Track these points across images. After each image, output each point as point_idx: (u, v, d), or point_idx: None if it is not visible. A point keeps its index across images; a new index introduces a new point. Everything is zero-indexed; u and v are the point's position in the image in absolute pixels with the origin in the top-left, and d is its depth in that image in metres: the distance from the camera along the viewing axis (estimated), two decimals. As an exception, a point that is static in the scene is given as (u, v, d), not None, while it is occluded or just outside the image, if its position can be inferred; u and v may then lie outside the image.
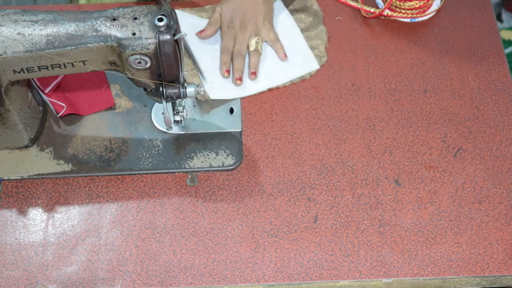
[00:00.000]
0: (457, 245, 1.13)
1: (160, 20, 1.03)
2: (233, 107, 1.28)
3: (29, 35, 1.05)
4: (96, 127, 1.26)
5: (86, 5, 1.51)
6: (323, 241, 1.14)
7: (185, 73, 1.26)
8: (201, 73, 1.31)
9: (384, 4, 1.39)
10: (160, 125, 1.26)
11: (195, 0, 1.43)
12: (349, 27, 1.38)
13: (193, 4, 1.42)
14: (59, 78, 1.26)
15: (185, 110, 1.20)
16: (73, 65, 1.07)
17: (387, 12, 1.38)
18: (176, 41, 1.06)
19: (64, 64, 1.07)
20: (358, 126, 1.26)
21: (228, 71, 1.30)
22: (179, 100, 1.17)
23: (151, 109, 1.28)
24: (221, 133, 1.25)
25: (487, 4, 1.41)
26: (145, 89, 1.15)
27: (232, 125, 1.26)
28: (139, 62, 1.06)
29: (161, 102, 1.15)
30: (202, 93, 1.16)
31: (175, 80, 1.12)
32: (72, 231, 1.16)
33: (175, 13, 1.06)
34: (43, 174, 1.21)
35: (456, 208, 1.17)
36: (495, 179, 1.20)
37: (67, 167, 1.22)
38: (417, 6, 1.37)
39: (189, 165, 1.21)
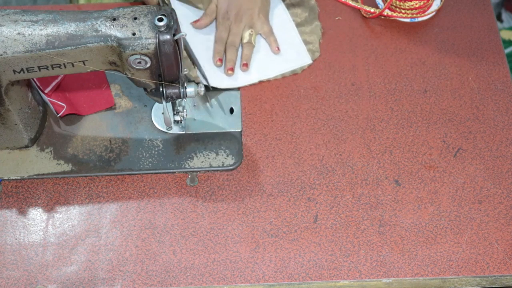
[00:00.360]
0: (457, 245, 1.13)
1: (160, 20, 1.03)
2: (233, 107, 1.28)
3: (29, 35, 1.05)
4: (96, 127, 1.26)
5: (86, 5, 1.51)
6: (323, 241, 1.14)
7: (185, 73, 1.25)
8: (198, 62, 1.31)
9: (384, 4, 1.39)
10: (160, 125, 1.26)
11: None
12: (349, 27, 1.38)
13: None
14: (59, 78, 1.26)
15: (185, 110, 1.20)
16: (73, 65, 1.07)
17: (387, 12, 1.38)
18: (176, 41, 1.06)
19: (64, 64, 1.07)
20: (358, 126, 1.26)
21: (220, 60, 1.31)
22: (179, 100, 1.17)
23: (151, 109, 1.28)
24: (221, 133, 1.25)
25: (487, 4, 1.41)
26: (145, 89, 1.15)
27: (232, 125, 1.26)
28: (139, 62, 1.06)
29: (161, 102, 1.15)
30: (202, 93, 1.16)
31: (175, 80, 1.12)
32: (72, 231, 1.16)
33: (175, 13, 1.06)
34: (43, 174, 1.21)
35: (456, 208, 1.17)
36: (495, 179, 1.20)
37: (67, 167, 1.22)
38: (417, 6, 1.37)
39: (189, 165, 1.21)
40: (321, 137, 1.25)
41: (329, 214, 1.17)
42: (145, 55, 1.05)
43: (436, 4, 1.40)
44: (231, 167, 1.21)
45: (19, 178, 1.21)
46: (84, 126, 1.26)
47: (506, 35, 2.13)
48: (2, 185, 1.21)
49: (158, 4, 1.06)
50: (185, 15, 1.38)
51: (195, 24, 1.36)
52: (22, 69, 1.07)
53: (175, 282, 1.11)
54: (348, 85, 1.31)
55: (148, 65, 1.07)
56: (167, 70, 1.08)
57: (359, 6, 1.40)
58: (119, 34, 1.04)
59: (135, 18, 1.05)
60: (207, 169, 1.21)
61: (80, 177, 1.21)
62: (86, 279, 1.12)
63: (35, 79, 1.25)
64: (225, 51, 1.32)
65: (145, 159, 1.22)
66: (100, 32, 1.05)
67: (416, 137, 1.24)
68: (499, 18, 2.24)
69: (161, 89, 1.12)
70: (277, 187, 1.20)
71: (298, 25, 1.37)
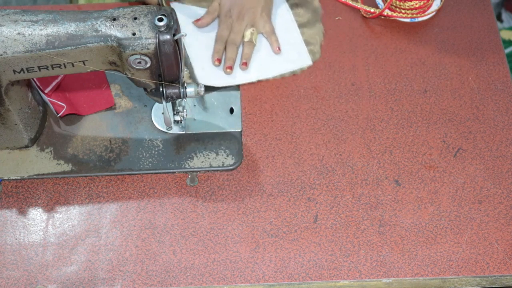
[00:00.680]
0: (457, 245, 1.13)
1: (160, 20, 1.03)
2: (233, 107, 1.28)
3: (29, 35, 1.05)
4: (96, 127, 1.26)
5: (86, 5, 1.51)
6: (323, 241, 1.14)
7: (185, 73, 1.26)
8: (191, 60, 1.31)
9: (384, 4, 1.39)
10: (160, 125, 1.26)
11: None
12: (349, 27, 1.38)
13: None
14: (59, 78, 1.26)
15: (185, 110, 1.20)
16: (73, 65, 1.07)
17: (387, 12, 1.38)
18: (176, 41, 1.06)
19: (64, 64, 1.07)
20: (358, 126, 1.26)
21: (219, 60, 1.30)
22: (179, 100, 1.17)
23: (151, 109, 1.28)
24: (221, 133, 1.25)
25: (487, 4, 1.41)
26: (145, 89, 1.15)
27: (232, 125, 1.26)
28: (139, 62, 1.06)
29: (161, 102, 1.15)
30: (202, 92, 1.16)
31: (175, 80, 1.12)
32: (72, 231, 1.16)
33: (175, 13, 1.06)
34: (43, 174, 1.21)
35: (456, 208, 1.17)
36: (495, 179, 1.20)
37: (67, 167, 1.22)
38: (417, 6, 1.37)
39: (189, 165, 1.21)
40: (321, 137, 1.25)
41: (329, 214, 1.17)
42: (145, 55, 1.05)
43: (436, 4, 1.40)
44: (231, 167, 1.21)
45: (19, 178, 1.21)
46: (84, 126, 1.26)
47: (506, 35, 2.13)
48: (2, 185, 1.21)
49: (158, 4, 1.06)
50: (188, 14, 1.38)
51: (197, 23, 1.36)
52: (22, 69, 1.07)
53: (175, 282, 1.11)
54: (348, 85, 1.31)
55: (148, 65, 1.07)
56: (167, 70, 1.08)
57: (359, 6, 1.40)
58: (119, 34, 1.04)
59: (135, 18, 1.05)
60: (207, 169, 1.21)
61: (80, 177, 1.21)
62: (86, 279, 1.12)
63: (35, 79, 1.25)
64: (225, 49, 1.32)
65: (145, 159, 1.22)
66: (100, 32, 1.05)
67: (416, 137, 1.24)
68: (499, 18, 2.24)
69: (161, 89, 1.12)
70: (277, 187, 1.20)
71: (300, 25, 1.37)
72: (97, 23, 1.05)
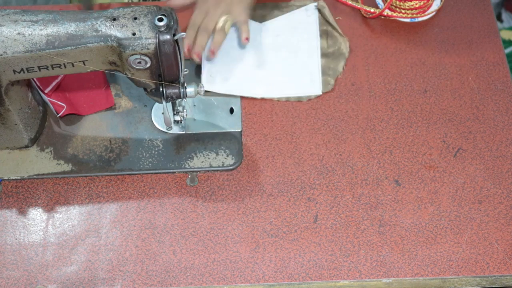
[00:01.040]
0: (457, 245, 1.13)
1: (160, 20, 1.03)
2: (233, 107, 1.28)
3: (29, 35, 1.05)
4: (96, 127, 1.26)
5: (78, 4, 1.51)
6: (323, 241, 1.14)
7: (185, 73, 1.25)
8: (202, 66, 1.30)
9: (384, 4, 1.39)
10: (160, 125, 1.26)
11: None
12: (349, 27, 1.38)
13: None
14: (59, 78, 1.26)
15: (185, 110, 1.20)
16: (73, 65, 1.07)
17: (387, 12, 1.38)
18: (176, 41, 1.06)
19: (64, 64, 1.07)
20: (358, 126, 1.26)
21: (190, 49, 1.24)
22: (179, 100, 1.17)
23: (151, 109, 1.28)
24: (221, 133, 1.25)
25: (487, 4, 1.41)
26: (145, 89, 1.15)
27: (232, 125, 1.26)
28: (139, 62, 1.06)
29: (161, 102, 1.15)
30: (202, 93, 1.16)
31: (175, 80, 1.12)
32: (72, 231, 1.16)
33: (175, 13, 1.06)
34: (43, 174, 1.21)
35: (456, 208, 1.17)
36: (495, 179, 1.20)
37: (67, 167, 1.22)
38: (417, 6, 1.37)
39: (189, 165, 1.22)
40: (321, 137, 1.25)
41: (329, 214, 1.17)
42: (145, 55, 1.05)
43: (436, 4, 1.40)
44: (231, 167, 1.21)
45: (19, 178, 1.21)
46: (84, 126, 1.26)
47: (506, 35, 2.13)
48: (2, 185, 1.21)
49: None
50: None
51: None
52: (22, 69, 1.07)
53: (175, 282, 1.11)
54: (348, 85, 1.31)
55: (148, 65, 1.07)
56: (167, 70, 1.08)
57: (359, 6, 1.40)
58: (119, 34, 1.04)
59: (135, 18, 1.05)
60: (207, 169, 1.21)
61: (80, 177, 1.21)
62: (86, 279, 1.12)
63: (35, 79, 1.25)
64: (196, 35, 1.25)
65: (145, 159, 1.22)
66: (100, 32, 1.05)
67: (416, 137, 1.24)
68: (499, 18, 2.24)
69: (161, 89, 1.12)
70: (277, 187, 1.20)
71: (323, 55, 1.33)
72: (97, 23, 1.05)
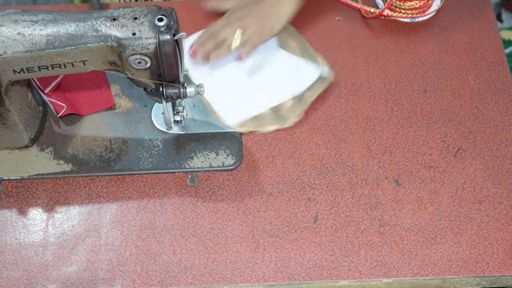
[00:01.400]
0: (457, 245, 1.13)
1: (160, 20, 1.03)
2: (233, 107, 1.28)
3: (29, 35, 1.05)
4: (96, 127, 1.26)
5: (86, 5, 1.51)
6: (323, 241, 1.14)
7: (185, 73, 1.25)
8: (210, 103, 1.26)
9: (384, 4, 1.39)
10: (160, 125, 1.26)
11: (192, 0, 1.43)
12: (349, 27, 1.38)
13: (188, 4, 1.42)
14: (59, 78, 1.26)
15: (185, 110, 1.20)
16: (73, 65, 1.07)
17: (387, 12, 1.38)
18: (176, 41, 1.06)
19: (64, 64, 1.07)
20: (358, 126, 1.26)
21: (195, 53, 1.23)
22: (179, 100, 1.17)
23: (151, 109, 1.28)
24: (221, 133, 1.25)
25: (487, 4, 1.41)
26: (145, 89, 1.15)
27: (232, 125, 1.26)
28: (139, 62, 1.06)
29: (161, 102, 1.15)
30: (202, 93, 1.16)
31: (175, 80, 1.11)
32: (72, 231, 1.16)
33: (175, 13, 1.06)
34: (43, 174, 1.21)
35: (456, 208, 1.17)
36: (495, 179, 1.20)
37: (67, 167, 1.22)
38: (417, 6, 1.37)
39: (189, 165, 1.21)
40: (321, 137, 1.25)
41: (329, 214, 1.17)
42: (145, 55, 1.05)
43: (436, 4, 1.40)
44: (231, 167, 1.21)
45: (19, 178, 1.21)
46: (84, 126, 1.26)
47: (506, 35, 2.13)
48: (2, 185, 1.21)
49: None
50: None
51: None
52: (22, 69, 1.07)
53: (175, 282, 1.11)
54: (348, 85, 1.31)
55: (148, 65, 1.07)
56: (167, 70, 1.08)
57: (359, 6, 1.40)
58: (119, 34, 1.04)
59: (135, 18, 1.05)
60: (207, 169, 1.21)
61: (80, 177, 1.21)
62: (86, 279, 1.12)
63: (35, 79, 1.25)
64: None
65: (145, 159, 1.22)
66: (100, 32, 1.05)
67: (416, 137, 1.24)
68: (499, 18, 2.24)
69: (161, 89, 1.12)
70: (277, 187, 1.20)
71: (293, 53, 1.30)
72: (97, 23, 1.05)
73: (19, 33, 1.04)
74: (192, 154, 1.23)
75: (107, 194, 1.20)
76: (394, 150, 1.23)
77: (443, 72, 1.32)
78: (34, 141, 1.24)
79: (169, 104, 1.16)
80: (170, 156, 1.23)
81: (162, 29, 1.03)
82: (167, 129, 1.25)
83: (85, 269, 1.13)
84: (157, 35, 1.04)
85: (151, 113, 1.28)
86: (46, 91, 1.25)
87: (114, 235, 1.16)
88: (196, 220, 1.17)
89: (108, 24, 1.05)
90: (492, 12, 1.40)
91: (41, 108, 1.25)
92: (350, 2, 1.41)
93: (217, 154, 1.23)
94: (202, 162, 1.22)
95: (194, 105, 1.28)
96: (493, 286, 1.13)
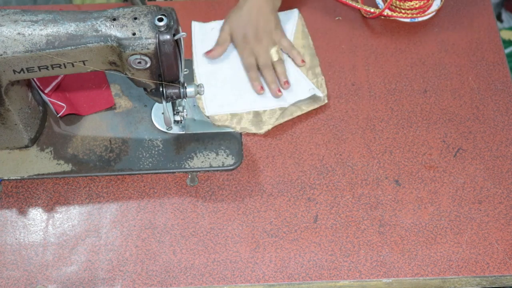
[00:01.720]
0: (457, 245, 1.13)
1: (160, 20, 1.03)
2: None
3: (29, 35, 1.05)
4: (96, 127, 1.26)
5: (86, 5, 1.51)
6: (323, 241, 1.14)
7: (185, 73, 1.25)
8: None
9: (384, 4, 1.39)
10: (160, 125, 1.26)
11: (192, 0, 1.43)
12: (349, 27, 1.38)
13: (188, 4, 1.42)
14: (59, 78, 1.26)
15: (185, 110, 1.20)
16: (73, 65, 1.07)
17: (387, 12, 1.38)
18: (176, 41, 1.06)
19: (64, 64, 1.07)
20: (358, 126, 1.26)
21: (262, 87, 1.28)
22: (179, 100, 1.17)
23: (151, 109, 1.28)
24: (221, 133, 1.25)
25: (487, 4, 1.41)
26: (145, 89, 1.15)
27: (232, 125, 1.26)
28: (139, 62, 1.06)
29: (161, 102, 1.15)
30: (202, 93, 1.16)
31: (175, 80, 1.11)
32: (72, 231, 1.16)
33: (175, 13, 1.06)
34: (43, 174, 1.21)
35: (456, 208, 1.17)
36: (495, 179, 1.20)
37: (67, 167, 1.22)
38: (417, 6, 1.37)
39: (189, 165, 1.21)
40: (321, 137, 1.25)
41: (329, 214, 1.17)
42: (145, 55, 1.05)
43: (436, 4, 1.40)
44: (231, 167, 1.21)
45: (19, 178, 1.21)
46: (84, 126, 1.26)
47: (506, 35, 2.13)
48: (2, 185, 1.21)
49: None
50: (204, 33, 1.36)
51: (209, 54, 1.32)
52: (22, 69, 1.07)
53: (175, 282, 1.11)
54: (348, 85, 1.31)
55: (148, 65, 1.07)
56: (167, 70, 1.08)
57: (359, 6, 1.40)
58: (119, 34, 1.04)
59: (135, 18, 1.05)
60: (207, 169, 1.21)
61: (80, 177, 1.21)
62: (86, 279, 1.12)
63: (35, 79, 1.25)
64: (262, 75, 1.29)
65: (145, 159, 1.22)
66: (100, 32, 1.05)
67: (416, 137, 1.24)
68: (499, 18, 2.24)
69: (161, 89, 1.12)
70: (277, 187, 1.20)
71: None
72: (97, 23, 1.05)
73: (19, 33, 1.05)
74: (192, 154, 1.23)
75: (107, 194, 1.20)
76: (394, 150, 1.23)
77: (443, 72, 1.32)
78: (34, 141, 1.24)
79: (169, 104, 1.16)
80: (170, 156, 1.23)
81: (162, 29, 1.03)
82: (167, 129, 1.25)
83: (85, 269, 1.13)
84: (157, 35, 1.04)
85: (151, 113, 1.28)
86: (46, 91, 1.25)
87: (114, 235, 1.16)
88: (196, 220, 1.17)
89: (108, 24, 1.05)
90: (492, 12, 1.40)
91: (41, 108, 1.25)
92: (350, 2, 1.41)
93: (217, 154, 1.23)
94: (202, 162, 1.22)
95: (194, 105, 1.28)
96: (493, 286, 1.13)
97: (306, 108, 1.27)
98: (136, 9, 1.06)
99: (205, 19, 1.40)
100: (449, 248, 1.13)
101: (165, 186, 1.20)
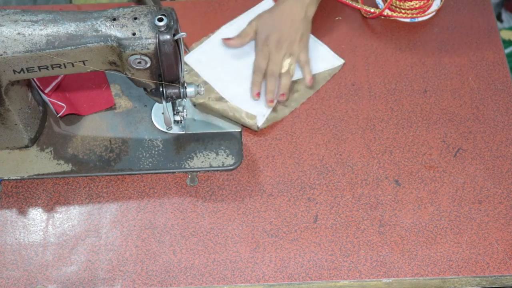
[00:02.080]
0: (457, 245, 1.13)
1: (160, 20, 1.03)
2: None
3: (29, 35, 1.05)
4: (96, 127, 1.26)
5: (86, 5, 1.51)
6: (323, 241, 1.14)
7: (185, 73, 1.25)
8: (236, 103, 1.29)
9: (384, 4, 1.39)
10: (160, 125, 1.26)
11: (192, 0, 1.43)
12: (349, 27, 1.38)
13: (188, 4, 1.42)
14: (59, 78, 1.26)
15: (185, 110, 1.20)
16: (73, 65, 1.07)
17: (387, 12, 1.38)
18: (176, 41, 1.06)
19: (64, 64, 1.07)
20: (358, 126, 1.26)
21: (259, 94, 1.27)
22: (179, 100, 1.17)
23: (151, 109, 1.28)
24: (221, 133, 1.25)
25: (487, 4, 1.41)
26: (145, 89, 1.15)
27: (232, 125, 1.26)
28: (139, 62, 1.06)
29: (161, 102, 1.15)
30: (202, 93, 1.16)
31: (175, 80, 1.11)
32: (72, 231, 1.16)
33: (175, 13, 1.06)
34: (43, 174, 1.21)
35: (456, 208, 1.17)
36: (495, 179, 1.20)
37: (67, 167, 1.22)
38: (417, 6, 1.37)
39: (189, 165, 1.21)
40: (321, 137, 1.25)
41: (329, 214, 1.17)
42: (145, 55, 1.05)
43: (436, 4, 1.40)
44: (231, 167, 1.21)
45: (19, 178, 1.21)
46: (84, 126, 1.26)
47: (506, 35, 2.13)
48: (2, 185, 1.21)
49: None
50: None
51: (226, 41, 1.32)
52: (22, 69, 1.07)
53: (175, 282, 1.11)
54: (348, 85, 1.31)
55: (148, 65, 1.07)
56: (167, 70, 1.08)
57: (359, 6, 1.40)
58: (119, 34, 1.04)
59: (135, 18, 1.05)
60: (207, 169, 1.21)
61: (80, 177, 1.21)
62: (86, 279, 1.12)
63: (35, 79, 1.25)
64: (265, 81, 1.28)
65: (145, 159, 1.22)
66: (100, 32, 1.05)
67: (416, 137, 1.24)
68: (499, 18, 2.24)
69: (161, 89, 1.12)
70: (277, 187, 1.20)
71: None
72: (97, 23, 1.05)
73: (19, 33, 1.04)
74: (192, 154, 1.23)
75: (107, 194, 1.20)
76: (394, 150, 1.23)
77: (443, 72, 1.32)
78: (34, 141, 1.24)
79: (169, 104, 1.16)
80: (170, 156, 1.23)
81: (162, 29, 1.03)
82: (167, 129, 1.25)
83: (85, 269, 1.13)
84: (157, 35, 1.04)
85: (151, 113, 1.28)
86: (46, 91, 1.25)
87: (114, 235, 1.16)
88: (196, 220, 1.17)
89: (108, 24, 1.05)
90: (492, 12, 1.40)
91: (41, 108, 1.25)
92: (350, 2, 1.41)
93: (217, 154, 1.23)
94: (202, 162, 1.22)
95: (194, 105, 1.28)
96: (493, 286, 1.13)
97: (328, 77, 1.30)
98: (136, 9, 1.06)
99: (205, 19, 1.40)
100: (449, 248, 1.13)
101: (165, 186, 1.20)
